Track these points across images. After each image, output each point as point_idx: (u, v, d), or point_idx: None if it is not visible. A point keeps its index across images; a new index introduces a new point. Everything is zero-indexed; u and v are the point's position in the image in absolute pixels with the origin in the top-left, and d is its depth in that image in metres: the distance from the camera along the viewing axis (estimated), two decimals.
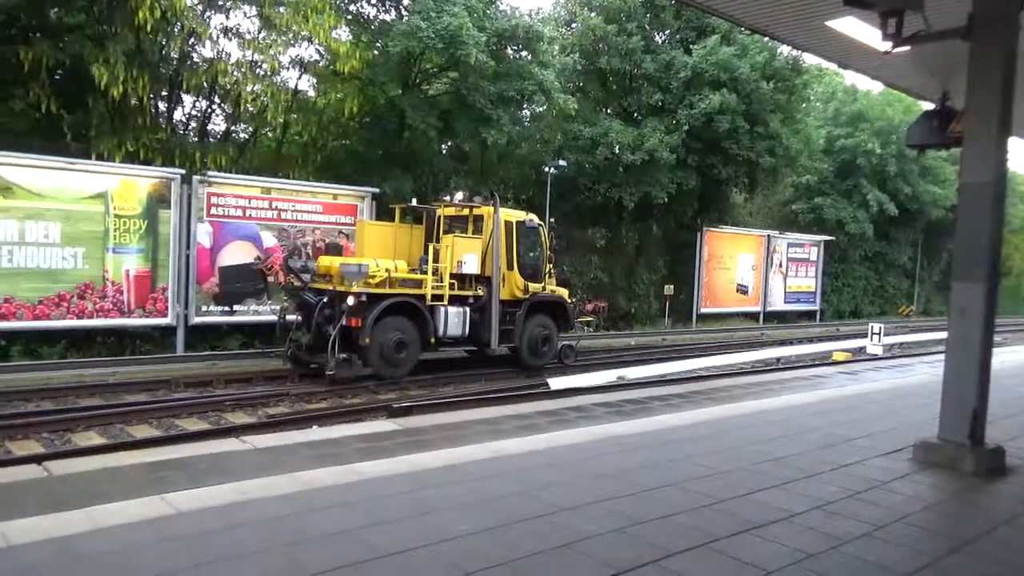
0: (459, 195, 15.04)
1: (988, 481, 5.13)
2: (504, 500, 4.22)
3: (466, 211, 14.86)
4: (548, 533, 3.70)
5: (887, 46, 5.66)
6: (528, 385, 12.95)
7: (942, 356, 5.68)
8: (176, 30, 15.66)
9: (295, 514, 3.82)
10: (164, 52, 16.71)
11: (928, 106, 9.09)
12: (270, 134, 20.60)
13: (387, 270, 13.01)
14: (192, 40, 16.52)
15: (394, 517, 3.86)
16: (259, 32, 17.11)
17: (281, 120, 18.87)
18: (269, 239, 15.39)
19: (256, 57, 16.79)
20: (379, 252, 14.01)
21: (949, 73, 7.99)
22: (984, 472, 5.22)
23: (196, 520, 3.66)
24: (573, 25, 25.78)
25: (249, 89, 16.85)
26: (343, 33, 19.05)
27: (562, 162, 22.43)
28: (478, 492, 4.36)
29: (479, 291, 14.17)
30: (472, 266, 13.97)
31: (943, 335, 5.98)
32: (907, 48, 5.96)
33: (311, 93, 20.71)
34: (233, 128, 19.80)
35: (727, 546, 3.64)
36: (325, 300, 12.69)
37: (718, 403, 7.57)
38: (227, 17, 17.06)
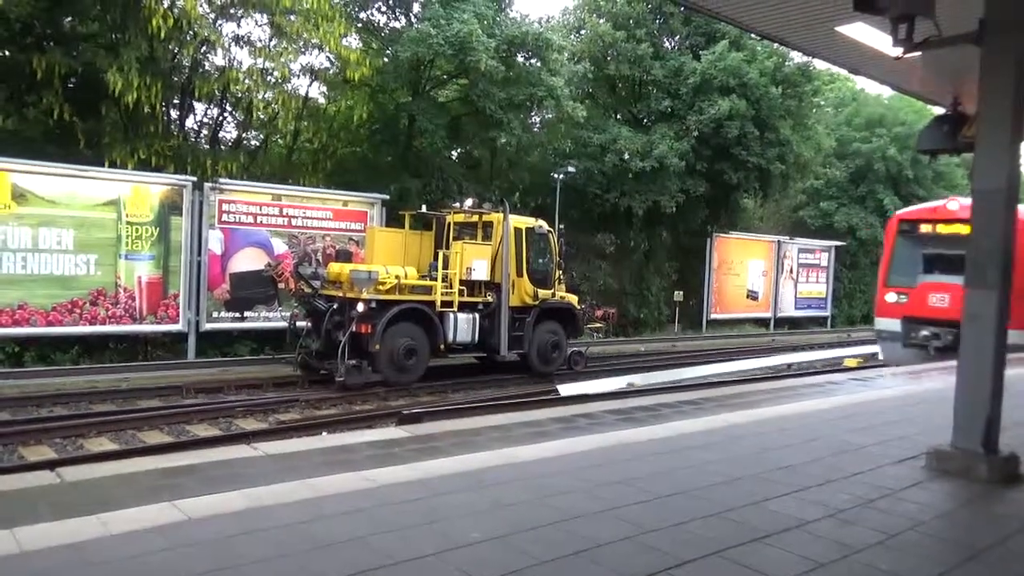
0: (469, 201, 15.09)
1: (1003, 489, 5.07)
2: (515, 507, 4.21)
3: (476, 217, 14.89)
4: (559, 541, 3.69)
5: (898, 51, 5.63)
6: (538, 391, 12.95)
7: (954, 363, 5.64)
8: (189, 38, 15.80)
9: (306, 521, 3.82)
10: (176, 60, 16.88)
11: (940, 111, 9.09)
12: (281, 141, 20.74)
13: (397, 277, 13.04)
14: (204, 48, 16.67)
15: (405, 524, 3.86)
16: (270, 40, 17.25)
17: (292, 127, 19.00)
18: (280, 246, 15.48)
19: (267, 65, 16.92)
20: (389, 259, 14.05)
21: (960, 78, 7.99)
22: (999, 480, 5.17)
23: (207, 527, 3.67)
24: (582, 31, 25.85)
25: (260, 96, 16.99)
26: (353, 41, 19.16)
27: (571, 168, 22.46)
28: (489, 499, 4.35)
29: (488, 297, 14.19)
30: (482, 272, 13.99)
31: None
32: (918, 53, 5.94)
33: (321, 100, 20.85)
34: (244, 135, 19.95)
35: (739, 554, 3.62)
36: (335, 307, 12.73)
37: (729, 410, 7.53)
38: (239, 25, 17.23)
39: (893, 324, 15.20)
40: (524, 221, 15.12)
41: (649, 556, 3.57)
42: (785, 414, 7.43)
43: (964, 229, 14.74)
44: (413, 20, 20.46)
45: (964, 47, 5.59)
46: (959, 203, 14.52)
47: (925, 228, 15.26)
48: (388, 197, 17.30)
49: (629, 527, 3.92)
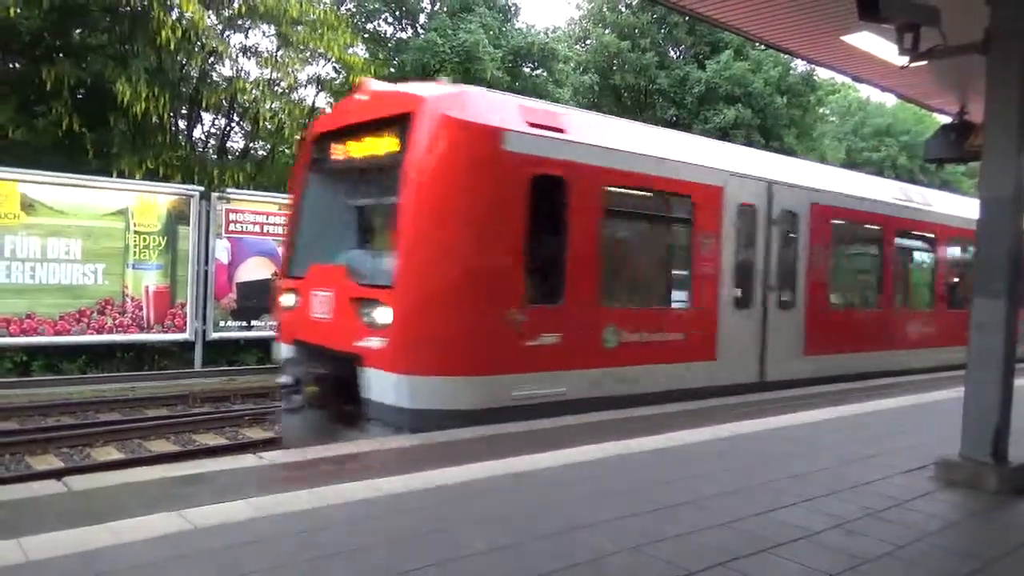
0: None
1: (1012, 499, 5.04)
2: (521, 517, 4.20)
3: None
4: (565, 551, 3.68)
5: (903, 61, 5.64)
6: None
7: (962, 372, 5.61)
8: (197, 49, 15.91)
9: (312, 530, 3.82)
10: (184, 71, 16.99)
11: (947, 120, 9.08)
12: (287, 151, 20.81)
13: None
14: (212, 59, 16.79)
15: (411, 534, 3.85)
16: (277, 50, 17.36)
17: (298, 137, 19.05)
18: None
19: (274, 75, 17.01)
20: None
21: (967, 87, 7.98)
22: (1008, 490, 5.13)
23: (214, 536, 3.67)
24: (588, 42, 25.95)
25: (267, 106, 17.08)
26: (360, 51, 19.28)
27: None
28: (495, 508, 4.34)
29: None
30: None
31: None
32: (924, 62, 5.94)
33: (328, 110, 20.93)
34: (251, 145, 20.04)
35: (746, 565, 3.61)
36: None
37: (734, 419, 7.49)
38: (246, 36, 17.35)
39: (288, 351, 8.12)
40: None
41: (654, 567, 3.55)
42: (792, 423, 7.40)
43: (376, 147, 7.35)
44: (420, 31, 20.56)
45: (970, 56, 5.60)
46: (375, 88, 8.05)
47: (337, 149, 8.18)
48: None
49: (634, 537, 3.90)
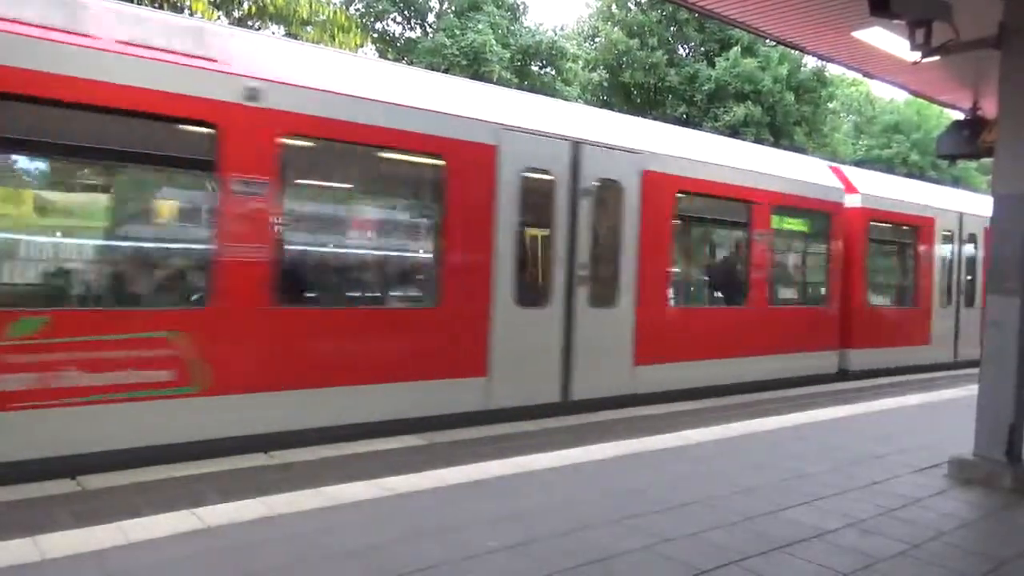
0: None
1: None
2: (531, 516, 4.19)
3: None
4: (575, 550, 3.67)
5: (915, 56, 5.59)
6: None
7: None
8: None
9: (322, 530, 3.83)
10: None
11: (958, 115, 9.01)
12: None
13: None
14: None
15: (420, 533, 3.86)
16: None
17: None
18: None
19: None
20: None
21: (980, 82, 7.91)
22: (1023, 489, 5.09)
23: (225, 535, 3.68)
24: (596, 39, 25.91)
25: None
26: (370, 51, 19.31)
27: None
28: (505, 508, 4.34)
29: None
30: None
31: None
32: (936, 58, 5.89)
33: None
34: None
35: (758, 564, 3.59)
36: None
37: (745, 418, 7.47)
38: None
39: None
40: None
41: (665, 566, 3.54)
42: (803, 422, 7.37)
43: None
44: (428, 30, 20.60)
45: (983, 51, 5.55)
46: None
47: None
48: None
49: (645, 536, 3.89)
